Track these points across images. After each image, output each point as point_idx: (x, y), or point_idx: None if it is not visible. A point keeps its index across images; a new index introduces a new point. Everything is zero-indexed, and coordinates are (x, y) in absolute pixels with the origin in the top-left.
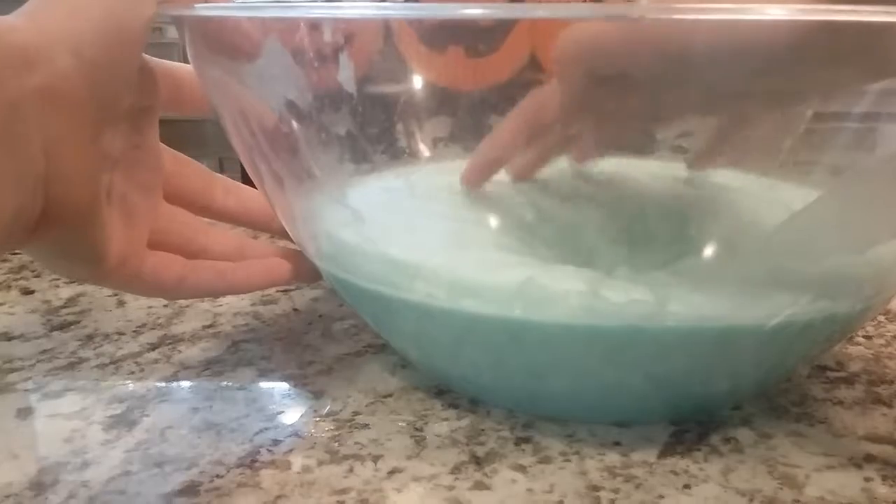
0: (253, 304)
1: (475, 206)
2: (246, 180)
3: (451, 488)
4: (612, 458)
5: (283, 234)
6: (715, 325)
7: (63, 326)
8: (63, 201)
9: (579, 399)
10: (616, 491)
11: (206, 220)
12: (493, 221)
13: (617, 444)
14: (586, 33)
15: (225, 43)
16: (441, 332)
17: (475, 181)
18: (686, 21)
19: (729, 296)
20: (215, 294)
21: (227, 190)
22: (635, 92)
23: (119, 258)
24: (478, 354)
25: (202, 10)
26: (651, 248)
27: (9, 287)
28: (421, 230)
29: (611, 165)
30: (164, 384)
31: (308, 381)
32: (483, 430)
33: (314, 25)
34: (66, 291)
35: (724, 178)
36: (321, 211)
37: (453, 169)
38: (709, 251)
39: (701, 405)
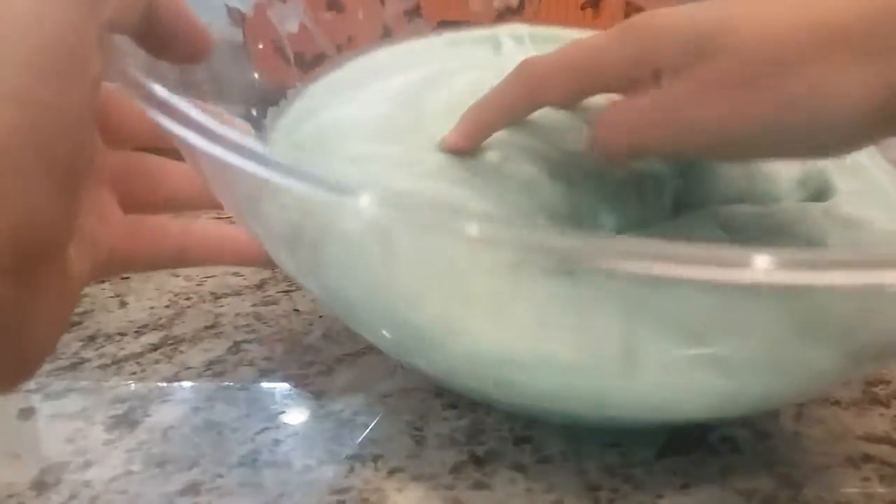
0: (254, 305)
1: None
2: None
3: (450, 488)
4: (611, 457)
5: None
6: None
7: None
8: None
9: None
10: (615, 490)
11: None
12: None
13: (616, 444)
14: (636, 136)
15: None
16: (433, 367)
17: (465, 146)
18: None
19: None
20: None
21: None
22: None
23: (99, 267)
24: (475, 385)
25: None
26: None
27: None
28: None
29: None
30: (165, 384)
31: (309, 382)
32: (483, 429)
33: None
34: None
35: None
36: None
37: None
38: None
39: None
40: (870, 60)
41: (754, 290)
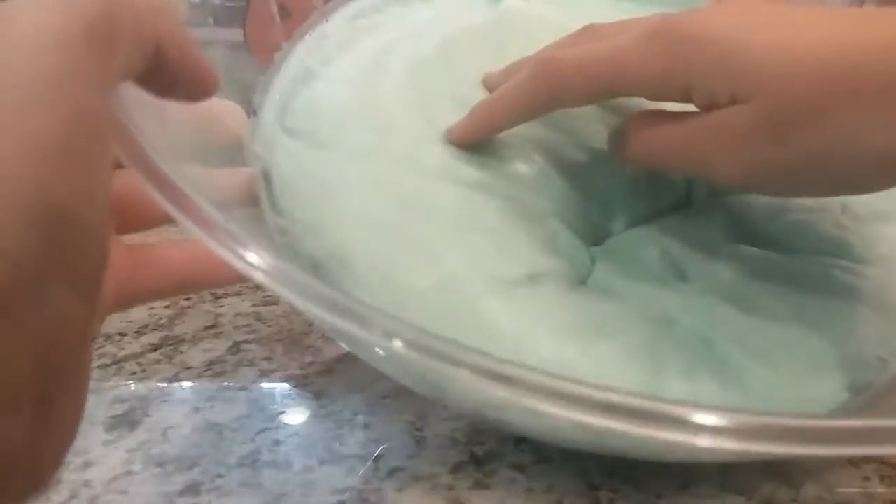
0: (254, 305)
1: None
2: None
3: (450, 488)
4: (612, 457)
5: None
6: None
7: None
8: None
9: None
10: (615, 490)
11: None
12: None
13: None
14: (670, 155)
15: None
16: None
17: (472, 141)
18: None
19: None
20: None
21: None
22: None
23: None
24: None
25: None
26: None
27: None
28: None
29: None
30: (165, 384)
31: (309, 382)
32: (483, 429)
33: None
34: None
35: None
36: None
37: None
38: None
39: None
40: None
41: None
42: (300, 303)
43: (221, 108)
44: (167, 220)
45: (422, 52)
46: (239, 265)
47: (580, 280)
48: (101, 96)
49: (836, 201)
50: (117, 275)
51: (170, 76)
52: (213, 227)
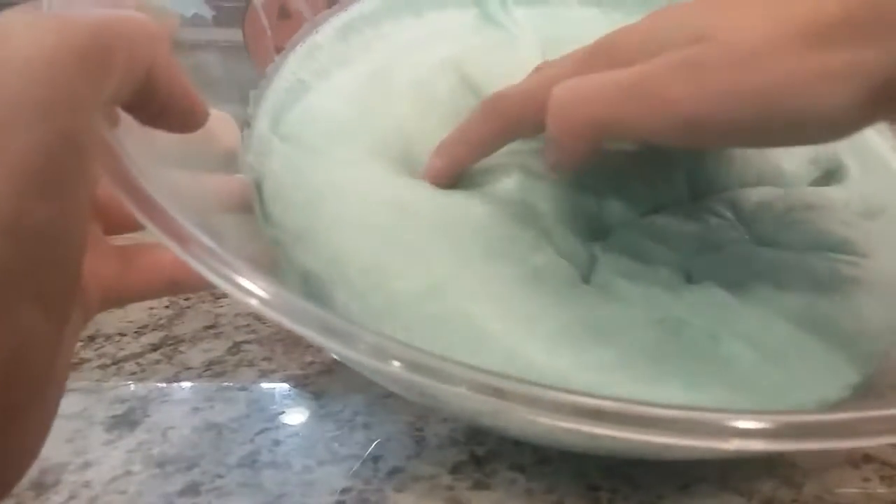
0: None
1: None
2: None
3: (450, 488)
4: (612, 458)
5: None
6: None
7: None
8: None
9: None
10: (615, 491)
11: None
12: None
13: None
14: (599, 106)
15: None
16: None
17: (443, 182)
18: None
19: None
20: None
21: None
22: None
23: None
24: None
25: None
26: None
27: None
28: None
29: None
30: (165, 385)
31: (309, 382)
32: (482, 430)
33: None
34: None
35: None
36: None
37: None
38: None
39: None
40: (853, 50)
41: None
42: (289, 324)
43: (212, 118)
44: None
45: (418, 71)
46: (228, 288)
47: (581, 278)
48: (87, 118)
49: (838, 198)
50: (104, 274)
51: (159, 105)
52: (201, 250)
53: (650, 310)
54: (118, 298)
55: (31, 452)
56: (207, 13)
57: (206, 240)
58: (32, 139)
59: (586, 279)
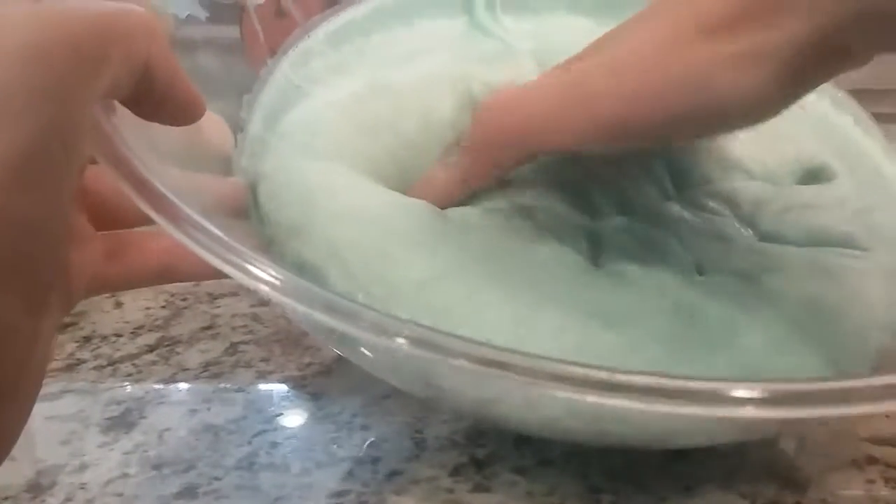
0: (251, 306)
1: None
2: None
3: (450, 491)
4: (614, 459)
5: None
6: None
7: (60, 328)
8: None
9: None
10: (617, 493)
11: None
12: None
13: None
14: (524, 115)
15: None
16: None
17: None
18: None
19: None
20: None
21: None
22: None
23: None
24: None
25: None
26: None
27: None
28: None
29: None
30: (162, 386)
31: (307, 383)
32: (483, 431)
33: None
34: None
35: None
36: None
37: None
38: None
39: None
40: (757, 34)
41: None
42: (295, 305)
43: (205, 121)
44: (146, 220)
45: (417, 82)
46: (229, 270)
47: (588, 264)
48: (77, 110)
49: (834, 196)
50: (88, 262)
51: (157, 99)
52: (204, 234)
53: (661, 296)
54: (102, 286)
55: (5, 446)
56: (202, 14)
57: (211, 227)
58: (18, 130)
59: (594, 265)
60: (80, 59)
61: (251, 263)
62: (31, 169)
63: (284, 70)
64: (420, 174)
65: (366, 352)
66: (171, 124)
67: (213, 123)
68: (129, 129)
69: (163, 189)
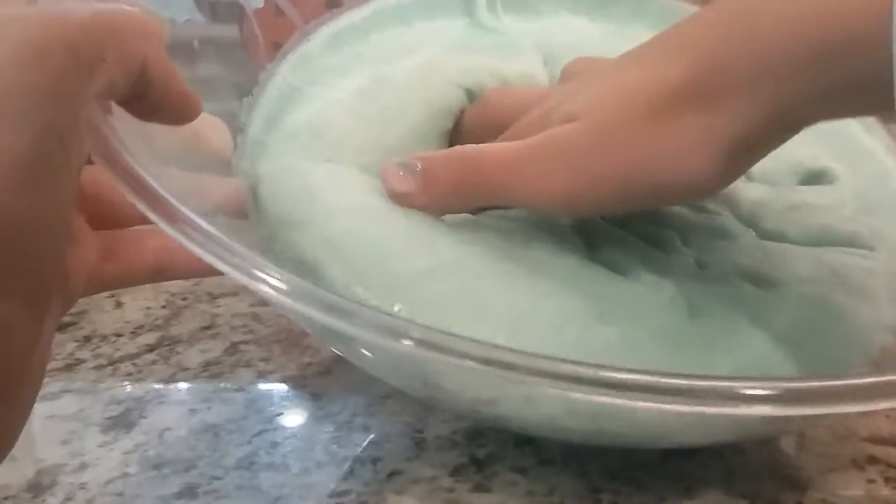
0: (251, 305)
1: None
2: None
3: (450, 490)
4: (614, 460)
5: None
6: None
7: (60, 327)
8: None
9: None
10: (617, 493)
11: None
12: None
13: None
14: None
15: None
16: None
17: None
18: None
19: None
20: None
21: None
22: None
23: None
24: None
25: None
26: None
27: None
28: None
29: None
30: (162, 386)
31: (307, 383)
32: (483, 431)
33: None
34: None
35: None
36: None
37: None
38: None
39: None
40: (700, 116)
41: None
42: (296, 306)
43: (204, 123)
44: (142, 219)
45: (421, 79)
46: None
47: (588, 258)
48: (74, 111)
49: (836, 196)
50: (86, 261)
51: (154, 99)
52: (201, 234)
53: (660, 292)
54: (100, 285)
55: (5, 446)
56: (200, 19)
57: (208, 226)
58: (17, 131)
59: (593, 260)
60: (76, 61)
61: (251, 263)
62: (31, 170)
63: (284, 73)
64: None
65: (365, 352)
66: (168, 124)
67: (212, 125)
68: (127, 129)
69: (159, 189)
